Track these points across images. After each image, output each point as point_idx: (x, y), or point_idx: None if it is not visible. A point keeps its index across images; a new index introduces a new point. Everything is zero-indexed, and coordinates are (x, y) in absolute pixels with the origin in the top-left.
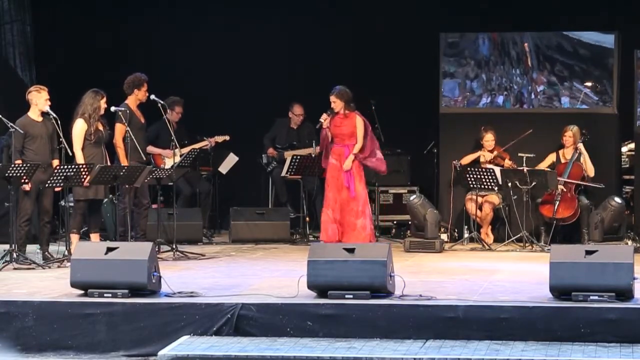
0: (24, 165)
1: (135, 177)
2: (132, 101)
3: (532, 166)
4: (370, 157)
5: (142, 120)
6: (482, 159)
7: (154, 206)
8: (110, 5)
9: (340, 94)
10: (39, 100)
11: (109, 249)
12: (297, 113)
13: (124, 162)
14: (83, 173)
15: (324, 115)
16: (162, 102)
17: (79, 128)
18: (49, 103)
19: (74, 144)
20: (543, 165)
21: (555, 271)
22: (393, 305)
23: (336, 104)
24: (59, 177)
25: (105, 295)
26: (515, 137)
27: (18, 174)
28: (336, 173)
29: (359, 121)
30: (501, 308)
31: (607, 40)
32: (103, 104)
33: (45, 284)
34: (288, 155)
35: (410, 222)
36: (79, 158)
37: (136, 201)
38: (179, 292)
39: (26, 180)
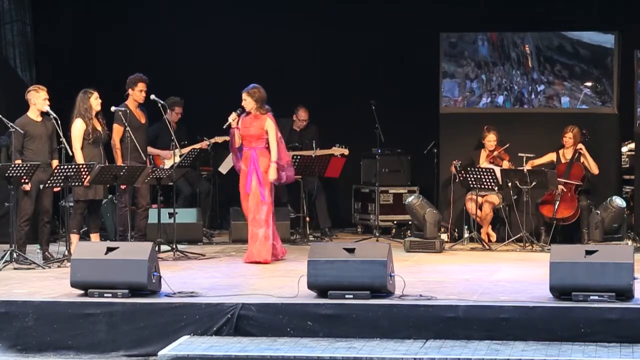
0: (24, 165)
1: (135, 177)
2: (131, 101)
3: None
4: (288, 168)
5: (143, 121)
6: (481, 162)
7: (153, 206)
8: (110, 5)
9: (252, 91)
10: (38, 99)
11: (109, 249)
12: (301, 118)
13: (119, 163)
14: (83, 173)
15: (233, 115)
16: (162, 102)
17: (78, 127)
18: (48, 103)
19: (73, 143)
20: (540, 162)
21: (555, 271)
22: (393, 305)
23: (247, 102)
24: (58, 177)
25: (105, 295)
26: (515, 137)
27: (18, 174)
28: (244, 179)
29: (269, 124)
30: (501, 308)
31: (607, 40)
32: (94, 101)
33: (45, 284)
34: None
35: (410, 222)
36: (79, 158)
37: (135, 201)
38: (179, 292)
39: (26, 180)
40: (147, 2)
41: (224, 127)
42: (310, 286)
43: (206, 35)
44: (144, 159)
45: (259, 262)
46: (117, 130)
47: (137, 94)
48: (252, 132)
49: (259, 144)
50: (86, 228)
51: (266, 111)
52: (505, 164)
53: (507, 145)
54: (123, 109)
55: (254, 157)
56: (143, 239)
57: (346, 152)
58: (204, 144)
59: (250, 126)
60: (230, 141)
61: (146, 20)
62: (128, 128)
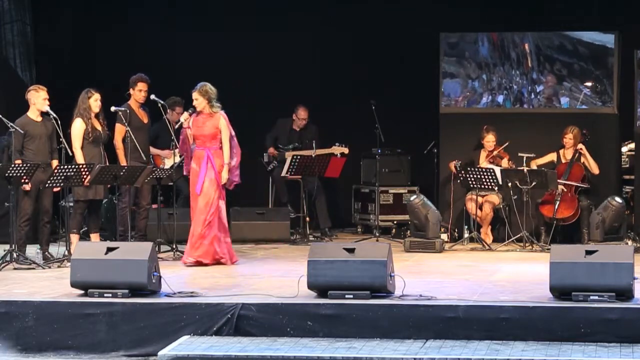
0: (24, 165)
1: (136, 177)
2: (132, 101)
3: (531, 165)
4: (235, 171)
5: (145, 121)
6: (481, 160)
7: (153, 206)
8: (110, 5)
9: (202, 90)
10: (37, 99)
11: (109, 249)
12: (301, 117)
13: (122, 163)
14: (83, 173)
15: (185, 114)
16: (162, 102)
17: (78, 127)
18: (48, 102)
19: (73, 143)
20: (541, 162)
21: (555, 271)
22: (393, 305)
23: (199, 101)
24: (58, 177)
25: (105, 295)
26: (515, 137)
27: (18, 174)
28: (195, 180)
29: (223, 123)
30: (501, 308)
31: (607, 40)
32: (93, 102)
33: (45, 284)
34: (289, 155)
35: (410, 222)
36: (79, 158)
37: (136, 201)
38: (179, 292)
39: (26, 180)
40: (147, 2)
41: (176, 127)
42: (310, 286)
43: (206, 35)
44: (144, 158)
45: (200, 263)
46: (119, 130)
47: (137, 93)
48: (205, 131)
49: (213, 144)
50: (86, 228)
51: (219, 109)
52: (505, 163)
53: (507, 143)
54: (123, 109)
55: (210, 157)
56: (143, 239)
57: (346, 150)
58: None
59: (204, 125)
60: (181, 142)
61: (146, 20)
62: (129, 128)
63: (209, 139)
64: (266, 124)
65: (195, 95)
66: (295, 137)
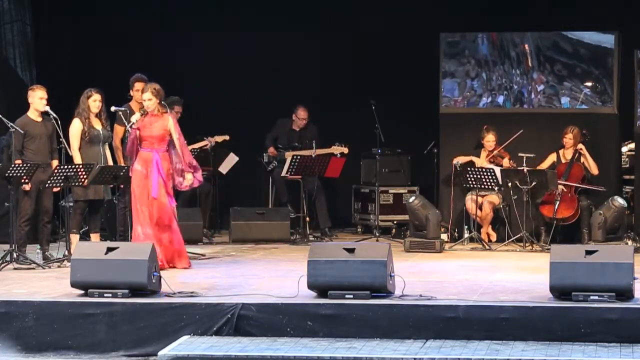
0: (24, 165)
1: None
2: (133, 101)
3: (532, 166)
4: (188, 171)
5: None
6: (477, 163)
7: None
8: (110, 5)
9: (155, 90)
10: (34, 99)
11: (109, 249)
12: (300, 117)
13: (121, 163)
14: (81, 173)
15: (137, 114)
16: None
17: (75, 127)
18: (45, 102)
19: (71, 143)
20: (544, 166)
21: (555, 271)
22: (393, 305)
23: (151, 101)
24: (58, 177)
25: (105, 295)
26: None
27: (18, 174)
28: (142, 182)
29: (172, 124)
30: (501, 308)
31: (607, 40)
32: (92, 102)
33: (45, 284)
34: (288, 155)
35: (410, 222)
36: (76, 158)
37: None
38: (179, 292)
39: (26, 180)
40: (148, 3)
41: (127, 127)
42: (310, 286)
43: (206, 35)
44: None
45: (163, 268)
46: (118, 130)
47: (136, 93)
48: (154, 132)
49: (162, 147)
50: (86, 228)
51: (166, 109)
52: (506, 162)
53: (509, 141)
54: (123, 109)
55: (158, 160)
56: None
57: (346, 150)
58: (210, 141)
59: (152, 127)
60: (130, 142)
61: (147, 20)
62: (128, 128)
63: (157, 141)
64: (266, 124)
65: (147, 95)
66: (295, 137)
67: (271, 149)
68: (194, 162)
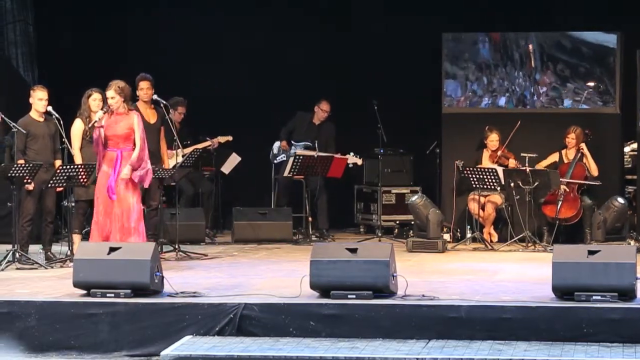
0: (27, 165)
1: None
2: (140, 102)
3: (534, 165)
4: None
5: (152, 121)
6: (484, 162)
7: (163, 206)
8: (113, 5)
9: (118, 88)
10: (34, 99)
11: (112, 249)
12: (323, 109)
13: None
14: (82, 173)
15: (100, 112)
16: (164, 102)
17: (77, 127)
18: (45, 103)
19: (72, 143)
20: (545, 164)
21: (557, 271)
22: (396, 305)
23: (115, 100)
24: (61, 177)
25: (107, 295)
26: (517, 136)
27: (21, 174)
28: (106, 181)
29: (137, 122)
30: (504, 308)
31: (609, 40)
32: (92, 102)
33: (47, 284)
34: (292, 155)
35: (412, 222)
36: (77, 158)
37: (143, 201)
38: (181, 292)
39: (29, 180)
40: (148, 3)
41: (90, 125)
42: (313, 286)
43: (207, 34)
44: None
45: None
46: None
47: (140, 93)
48: (119, 131)
49: (127, 146)
50: (88, 228)
51: (133, 108)
52: (512, 163)
53: (510, 135)
54: None
55: (120, 160)
56: (154, 238)
57: (359, 162)
58: (213, 142)
59: (117, 125)
60: (94, 141)
61: (147, 20)
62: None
63: (122, 140)
64: (266, 124)
65: (110, 93)
66: (314, 132)
67: (284, 143)
68: (142, 162)
